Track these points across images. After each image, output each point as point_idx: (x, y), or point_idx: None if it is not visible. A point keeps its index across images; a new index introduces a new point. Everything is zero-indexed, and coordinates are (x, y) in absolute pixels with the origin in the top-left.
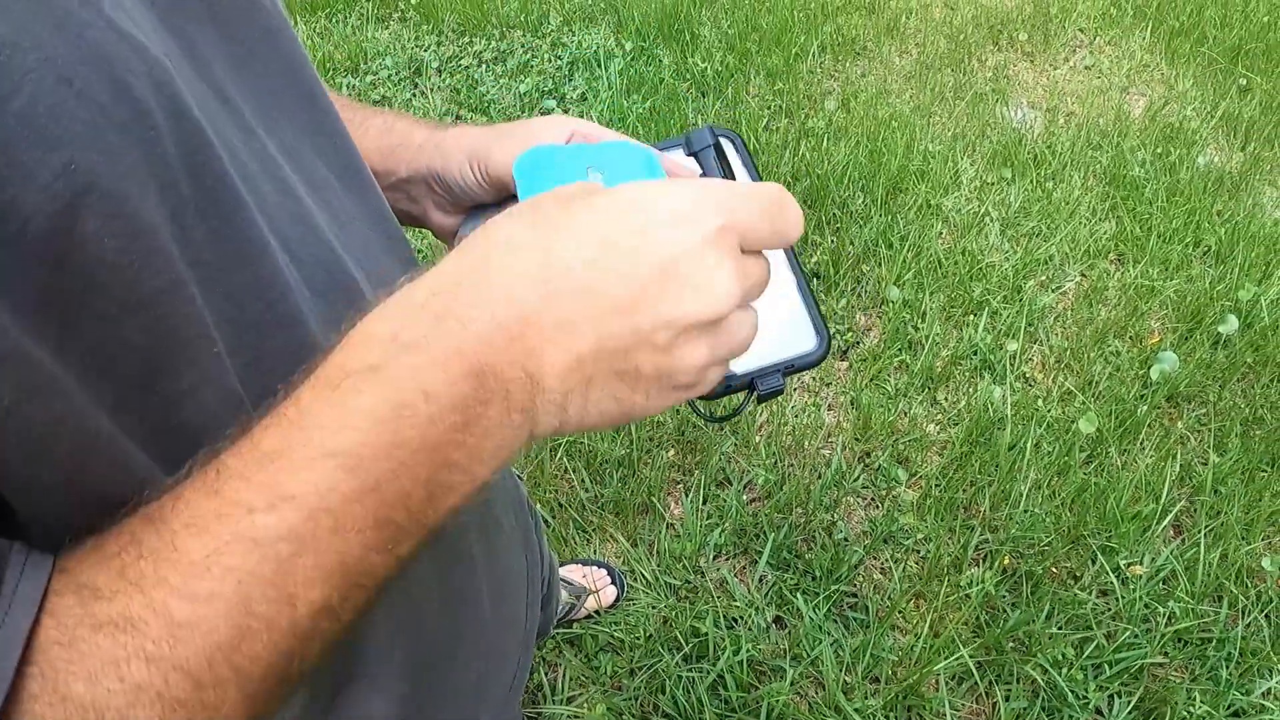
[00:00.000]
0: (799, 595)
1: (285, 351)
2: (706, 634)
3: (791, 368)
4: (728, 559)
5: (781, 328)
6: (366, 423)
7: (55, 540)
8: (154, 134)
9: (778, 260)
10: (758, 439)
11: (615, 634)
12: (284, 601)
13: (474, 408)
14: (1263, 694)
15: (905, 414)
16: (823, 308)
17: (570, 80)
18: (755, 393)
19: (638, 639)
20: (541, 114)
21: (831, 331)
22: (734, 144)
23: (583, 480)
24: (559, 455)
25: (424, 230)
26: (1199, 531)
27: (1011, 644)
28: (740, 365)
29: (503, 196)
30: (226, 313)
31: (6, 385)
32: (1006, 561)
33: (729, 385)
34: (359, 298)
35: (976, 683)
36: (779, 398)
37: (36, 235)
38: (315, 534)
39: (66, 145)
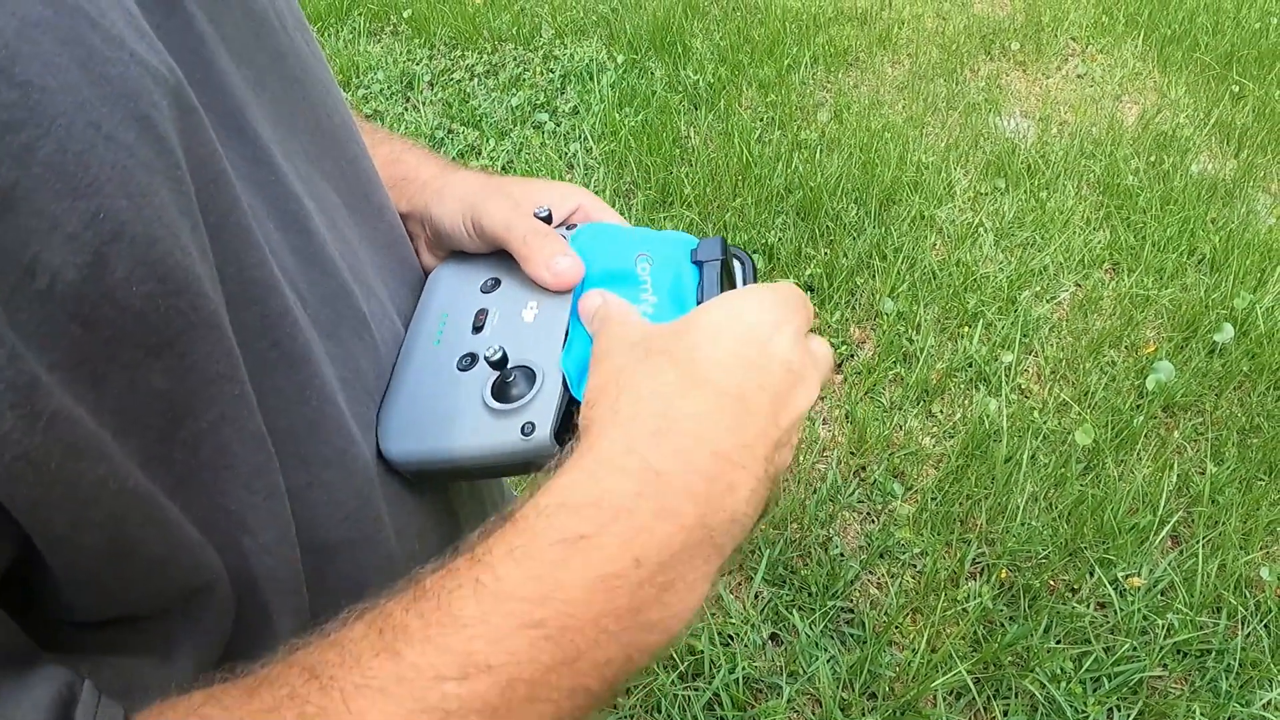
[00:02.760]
0: (795, 612)
1: (290, 390)
2: (702, 651)
3: None
4: (722, 575)
5: None
6: (576, 595)
7: (87, 622)
8: (179, 172)
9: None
10: None
11: None
12: None
13: (682, 564)
14: (1263, 705)
15: (901, 427)
16: None
17: (562, 93)
18: None
19: None
20: (534, 127)
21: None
22: (744, 266)
23: None
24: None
25: None
26: (1197, 542)
27: (1009, 658)
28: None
29: (490, 251)
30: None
31: (55, 446)
32: (1004, 575)
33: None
34: (366, 333)
35: (975, 698)
36: None
37: (67, 290)
38: (510, 705)
39: (95, 193)
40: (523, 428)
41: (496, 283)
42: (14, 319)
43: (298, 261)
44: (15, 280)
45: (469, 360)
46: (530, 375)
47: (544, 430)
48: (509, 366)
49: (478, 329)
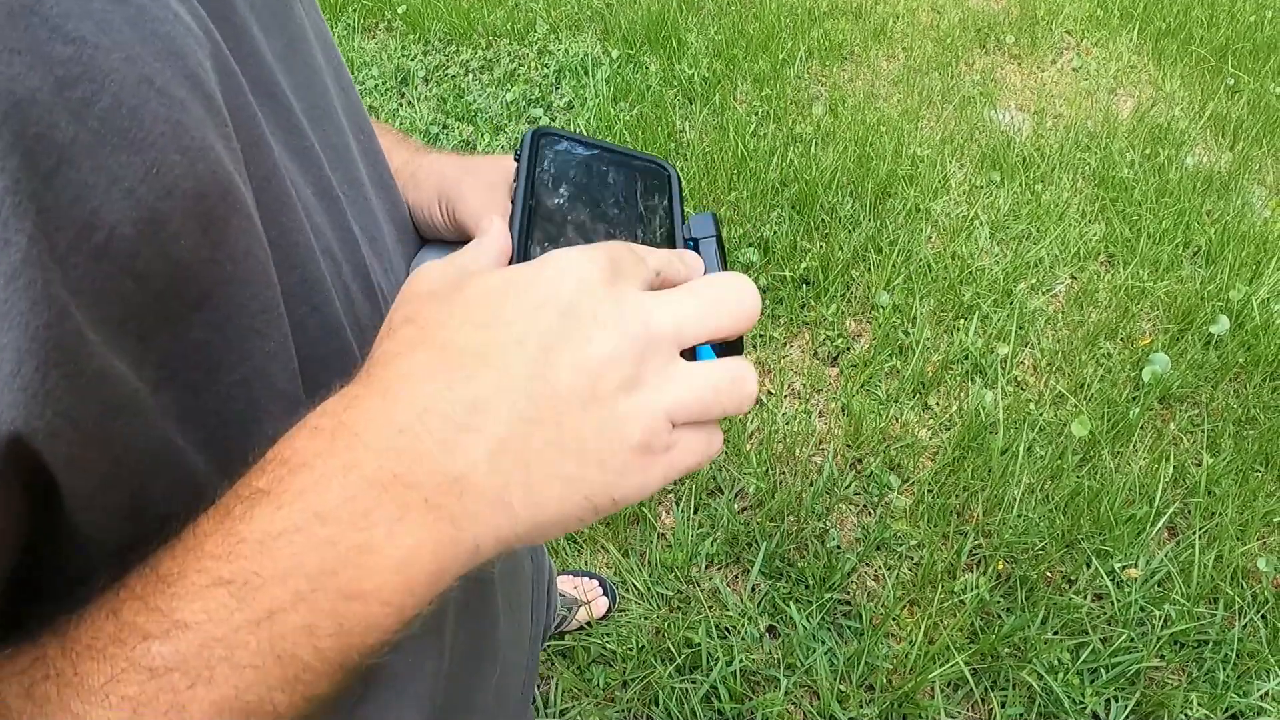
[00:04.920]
0: (792, 604)
1: (328, 357)
2: (699, 644)
3: None
4: (720, 568)
5: None
6: (254, 549)
7: (89, 572)
8: (228, 129)
9: (663, 237)
10: (749, 447)
11: (607, 645)
12: None
13: (382, 525)
14: (1261, 696)
15: (897, 419)
16: None
17: (557, 88)
18: None
19: (630, 650)
20: (529, 123)
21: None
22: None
23: None
24: None
25: None
26: (1193, 533)
27: (1007, 650)
28: None
29: (464, 239)
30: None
31: (94, 403)
32: (1000, 567)
33: None
34: (385, 308)
35: (972, 689)
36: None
37: (123, 244)
38: (209, 664)
39: (150, 147)
40: None
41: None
42: (68, 275)
43: (333, 229)
44: (74, 235)
45: None
46: None
47: None
48: None
49: None
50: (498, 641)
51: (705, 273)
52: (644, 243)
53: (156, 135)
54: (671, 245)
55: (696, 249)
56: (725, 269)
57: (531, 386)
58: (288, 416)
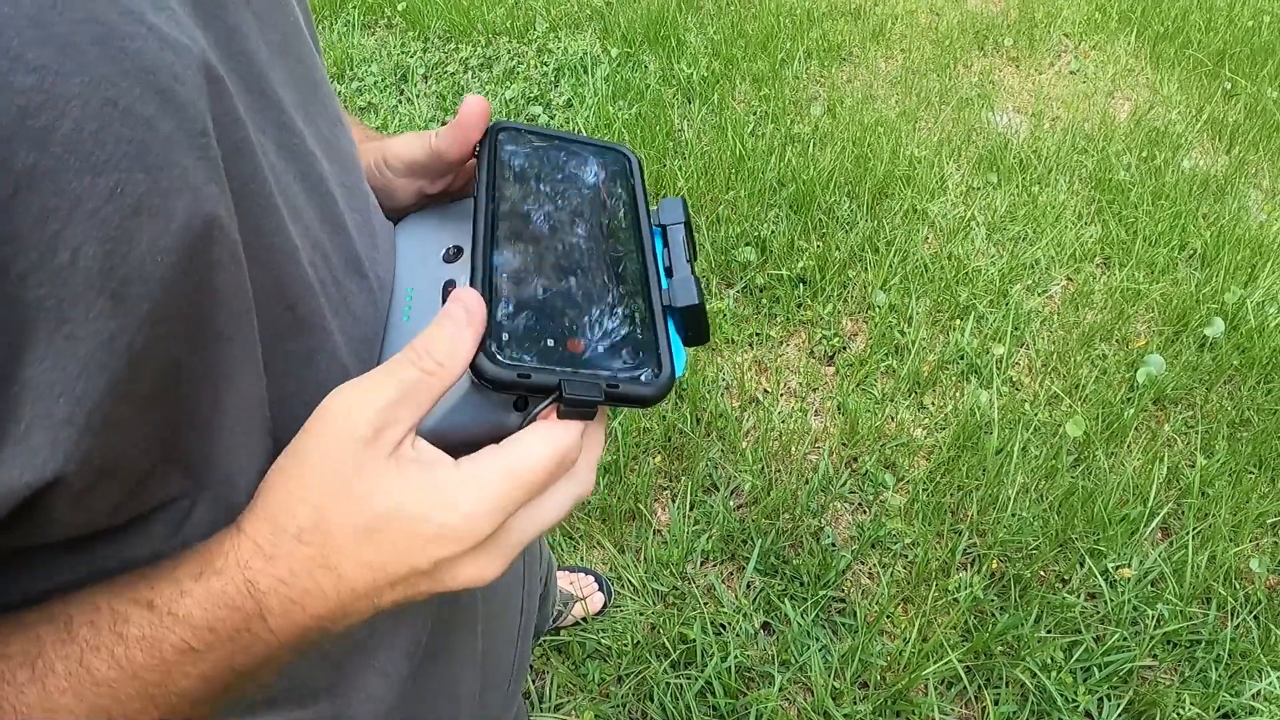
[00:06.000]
0: (787, 601)
1: (301, 353)
2: (694, 640)
3: (615, 389)
4: (715, 565)
5: (611, 332)
6: (184, 685)
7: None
8: (205, 139)
9: (628, 226)
10: (744, 445)
11: (603, 641)
12: None
13: (265, 669)
14: (1252, 695)
15: (892, 419)
16: (687, 339)
17: (556, 86)
18: (560, 398)
19: (625, 646)
20: (528, 120)
21: (680, 373)
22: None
23: None
24: None
25: None
26: (1187, 533)
27: (1000, 648)
28: (543, 360)
29: (406, 177)
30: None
31: (29, 413)
32: (994, 565)
33: (519, 380)
34: (380, 297)
35: (965, 687)
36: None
37: (91, 264)
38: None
39: (113, 169)
40: (515, 403)
41: (459, 251)
42: (27, 294)
43: (323, 224)
44: (35, 256)
45: None
46: None
47: (537, 407)
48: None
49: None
50: (474, 610)
51: (673, 266)
52: (609, 231)
53: (120, 156)
54: (637, 232)
55: (665, 235)
56: (694, 255)
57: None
58: (251, 417)
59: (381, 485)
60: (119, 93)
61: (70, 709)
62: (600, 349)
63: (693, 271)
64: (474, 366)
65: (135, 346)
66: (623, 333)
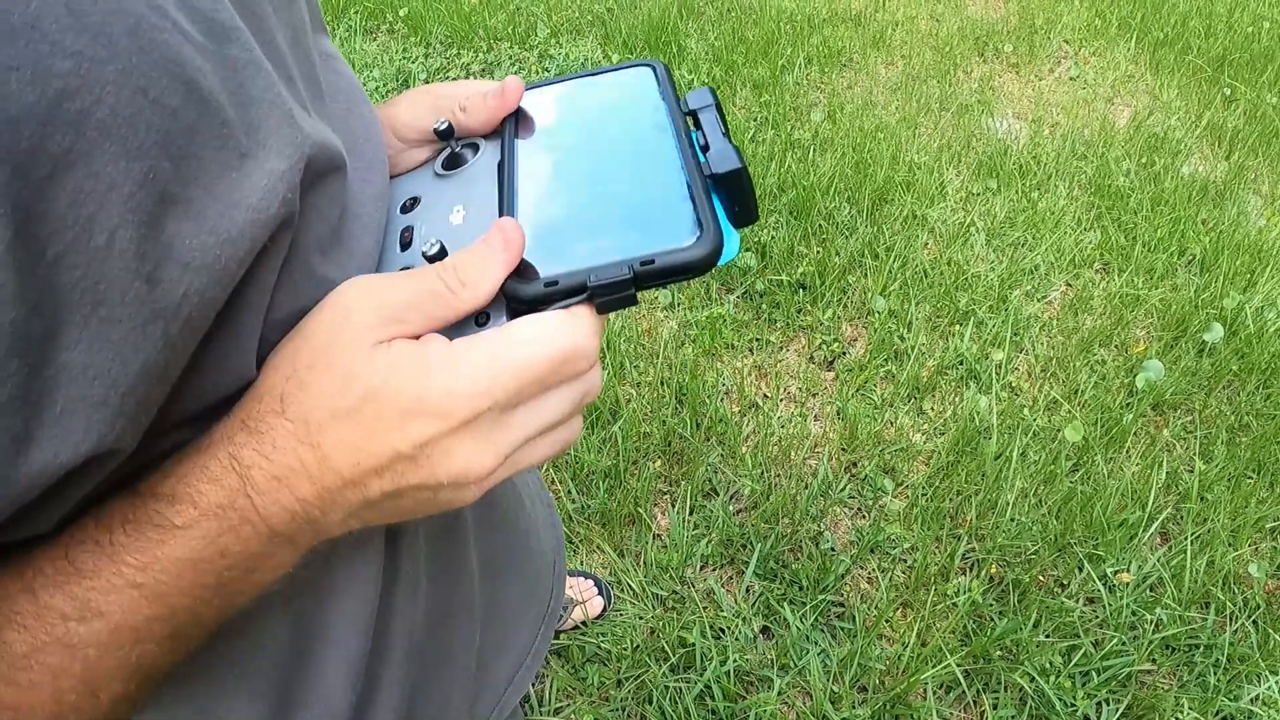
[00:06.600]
0: (786, 605)
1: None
2: (694, 644)
3: (650, 264)
4: (714, 569)
5: (640, 215)
6: (169, 568)
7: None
8: (226, 129)
9: (652, 125)
10: (744, 449)
11: (602, 645)
12: (90, 693)
13: (264, 557)
14: (1251, 700)
15: (892, 424)
16: (721, 199)
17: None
18: (590, 291)
19: (625, 650)
20: None
21: (734, 252)
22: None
23: (569, 491)
24: (545, 467)
25: None
26: (1185, 538)
27: (999, 652)
28: (564, 262)
29: (407, 146)
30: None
31: (62, 389)
32: (993, 570)
33: (548, 291)
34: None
35: (964, 692)
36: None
37: (127, 246)
38: (119, 643)
39: (145, 155)
40: (476, 319)
41: (415, 200)
42: (63, 276)
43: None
44: (70, 238)
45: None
46: None
47: (500, 318)
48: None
49: (405, 245)
50: (473, 599)
51: (710, 146)
52: (637, 139)
53: (151, 144)
54: (668, 129)
55: (697, 121)
56: (728, 137)
57: (361, 465)
58: (241, 360)
59: (369, 366)
60: (149, 82)
61: (61, 609)
62: (633, 236)
63: (729, 142)
64: (505, 289)
65: (170, 331)
66: (658, 215)
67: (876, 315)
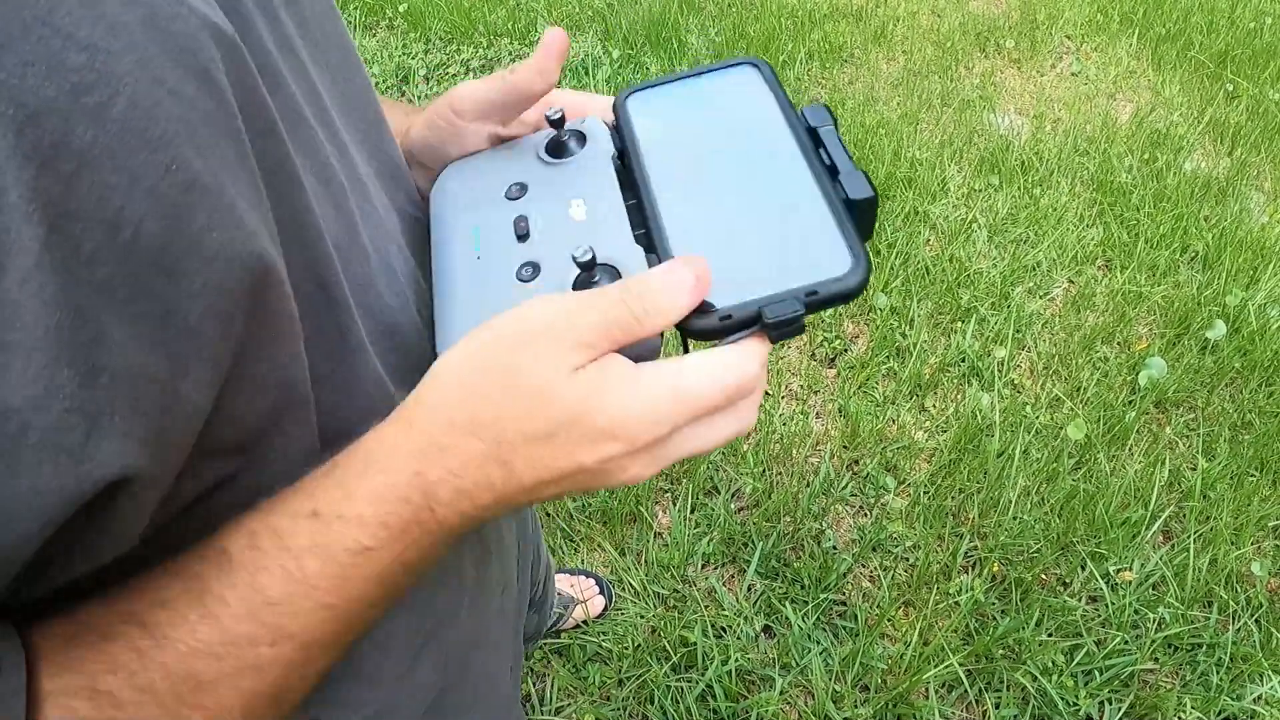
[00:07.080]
0: (788, 604)
1: (332, 330)
2: (695, 643)
3: (815, 295)
4: (716, 568)
5: (795, 243)
6: (358, 589)
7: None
8: (236, 123)
9: (777, 140)
10: (745, 447)
11: (603, 644)
12: (273, 703)
13: (432, 563)
14: (1254, 699)
15: (894, 421)
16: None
17: (557, 88)
18: (764, 325)
19: (626, 649)
20: None
21: (870, 259)
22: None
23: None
24: None
25: None
26: (1188, 537)
27: (1001, 651)
28: (734, 294)
29: (475, 121)
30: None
31: (117, 396)
32: (995, 569)
33: (722, 324)
34: (385, 293)
35: (966, 691)
36: (796, 337)
37: (151, 240)
38: (308, 659)
39: (166, 146)
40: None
41: (523, 187)
42: (96, 274)
43: (332, 213)
44: (101, 236)
45: (531, 270)
46: (615, 274)
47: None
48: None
49: (523, 237)
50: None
51: (836, 164)
52: (762, 150)
53: (171, 135)
54: (790, 140)
55: (817, 136)
56: (848, 155)
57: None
58: (292, 393)
59: (568, 393)
60: (166, 72)
61: (250, 636)
62: (793, 266)
63: (858, 167)
64: (681, 325)
65: (190, 322)
66: (805, 241)
67: (878, 312)
